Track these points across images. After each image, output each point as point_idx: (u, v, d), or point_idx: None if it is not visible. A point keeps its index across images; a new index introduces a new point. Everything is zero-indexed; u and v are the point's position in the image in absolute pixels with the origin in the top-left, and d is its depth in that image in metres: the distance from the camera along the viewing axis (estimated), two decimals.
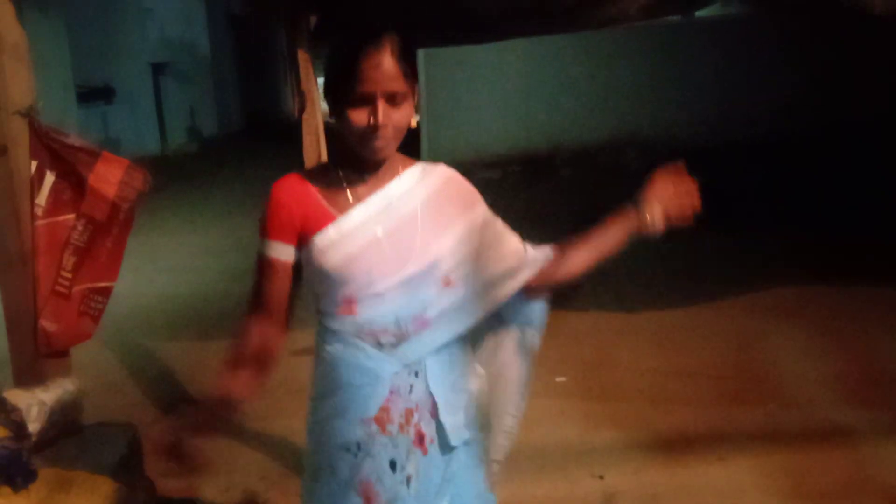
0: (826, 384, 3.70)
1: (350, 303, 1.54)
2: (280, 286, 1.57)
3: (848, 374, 3.80)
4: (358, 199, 1.54)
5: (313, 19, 2.40)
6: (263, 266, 1.56)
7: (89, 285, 2.44)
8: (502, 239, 1.65)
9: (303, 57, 2.35)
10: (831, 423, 3.34)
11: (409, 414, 1.56)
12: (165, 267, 6.45)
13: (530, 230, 1.77)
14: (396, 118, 1.45)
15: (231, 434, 3.22)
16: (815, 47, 8.56)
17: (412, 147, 9.16)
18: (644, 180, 1.62)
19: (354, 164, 1.53)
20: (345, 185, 1.55)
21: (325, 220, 1.53)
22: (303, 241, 1.54)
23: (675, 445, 3.22)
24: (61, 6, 10.61)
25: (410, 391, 1.56)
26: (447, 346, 1.59)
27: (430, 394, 1.57)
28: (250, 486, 3.01)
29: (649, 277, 5.29)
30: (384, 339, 1.54)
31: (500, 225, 1.65)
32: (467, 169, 1.70)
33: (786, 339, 4.26)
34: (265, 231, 1.55)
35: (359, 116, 1.44)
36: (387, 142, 1.47)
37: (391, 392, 1.54)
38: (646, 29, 8.90)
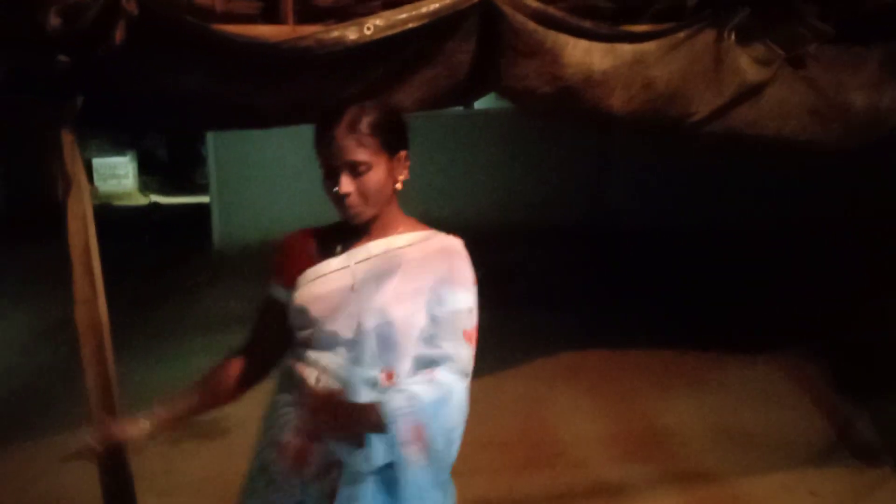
0: (603, 443, 3.99)
1: (307, 340, 1.67)
2: (270, 323, 1.76)
3: (621, 432, 4.13)
4: (345, 251, 1.70)
5: (80, 99, 2.28)
6: (262, 305, 1.78)
7: None
8: (433, 339, 1.68)
9: (67, 138, 2.21)
10: (608, 480, 3.60)
11: None
12: None
13: None
14: (362, 185, 1.61)
15: None
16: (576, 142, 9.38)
17: (202, 227, 8.75)
18: None
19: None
20: (340, 238, 1.72)
21: (312, 265, 1.70)
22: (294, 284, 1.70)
23: None
24: None
25: None
26: None
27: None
28: None
29: None
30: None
31: (449, 326, 1.68)
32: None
33: (567, 401, 4.53)
34: (269, 275, 1.77)
35: (328, 186, 1.64)
36: (357, 207, 1.63)
37: None
38: (432, 118, 9.36)
